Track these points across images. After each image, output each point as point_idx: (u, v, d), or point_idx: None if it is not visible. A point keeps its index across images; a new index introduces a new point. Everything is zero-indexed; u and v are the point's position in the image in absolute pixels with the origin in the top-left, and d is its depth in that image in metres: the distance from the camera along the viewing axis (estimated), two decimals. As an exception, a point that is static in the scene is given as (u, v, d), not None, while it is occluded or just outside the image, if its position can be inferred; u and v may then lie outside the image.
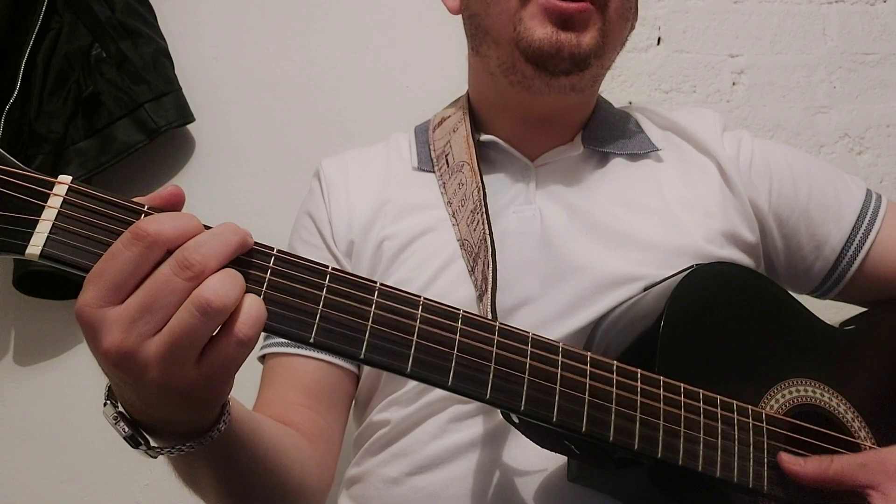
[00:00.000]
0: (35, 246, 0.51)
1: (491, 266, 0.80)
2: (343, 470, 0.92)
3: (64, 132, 1.26)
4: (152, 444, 0.59)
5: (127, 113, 1.27)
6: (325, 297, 0.56)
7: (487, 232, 0.82)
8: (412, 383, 0.83)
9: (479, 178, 0.87)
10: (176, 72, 1.33)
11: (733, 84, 1.47)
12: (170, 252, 0.51)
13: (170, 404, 0.54)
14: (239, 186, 1.37)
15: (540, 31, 0.83)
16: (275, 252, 0.56)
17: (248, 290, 0.53)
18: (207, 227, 0.54)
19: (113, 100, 1.27)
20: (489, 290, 0.78)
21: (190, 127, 1.35)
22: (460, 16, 0.96)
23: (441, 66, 1.37)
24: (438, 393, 0.80)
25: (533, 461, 0.76)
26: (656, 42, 1.48)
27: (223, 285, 0.51)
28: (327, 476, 0.87)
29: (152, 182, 1.35)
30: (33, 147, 1.24)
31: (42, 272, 1.22)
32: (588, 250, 0.85)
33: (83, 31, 1.28)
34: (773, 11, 1.49)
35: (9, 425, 1.29)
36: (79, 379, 1.29)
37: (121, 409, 0.57)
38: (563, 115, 0.93)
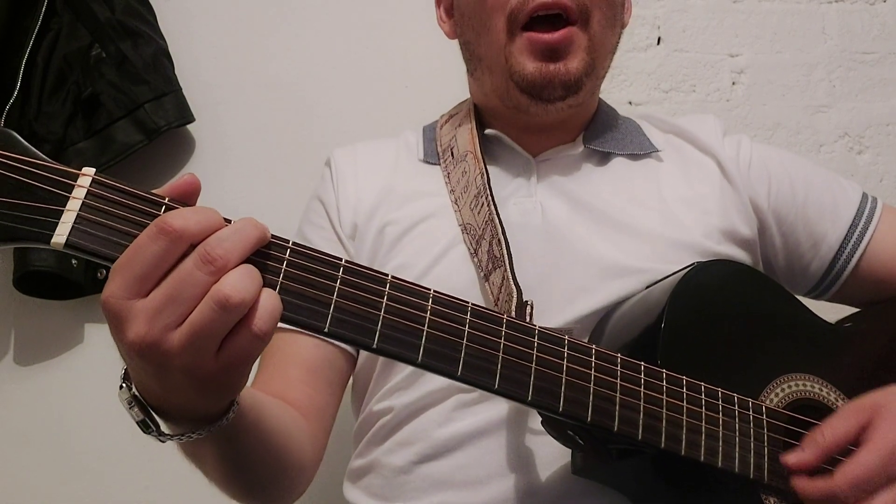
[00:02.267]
0: (60, 235, 0.52)
1: (504, 243, 0.82)
2: (342, 466, 0.93)
3: (63, 133, 1.26)
4: (163, 429, 0.60)
5: (126, 113, 1.27)
6: (338, 288, 0.57)
7: (494, 212, 0.84)
8: (408, 370, 0.84)
9: (482, 164, 0.89)
10: (176, 72, 1.33)
11: (733, 83, 1.47)
12: (193, 246, 0.53)
13: (189, 392, 0.56)
14: (239, 186, 1.37)
15: (530, 65, 0.86)
16: (290, 244, 0.57)
17: (266, 281, 0.55)
18: (228, 221, 0.55)
19: (112, 100, 1.27)
20: (506, 263, 0.80)
21: (190, 127, 1.35)
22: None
23: (441, 67, 1.37)
24: (439, 381, 0.81)
25: (539, 448, 0.78)
26: (656, 41, 1.48)
27: (242, 282, 0.52)
28: (319, 451, 0.88)
29: (152, 182, 1.34)
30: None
31: (42, 272, 1.22)
32: (588, 241, 0.87)
33: (83, 32, 1.29)
34: (773, 10, 1.50)
35: (9, 426, 1.29)
36: (79, 379, 1.29)
37: (135, 392, 0.58)
38: (563, 122, 0.95)
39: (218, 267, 0.52)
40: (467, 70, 0.98)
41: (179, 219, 0.52)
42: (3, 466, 1.28)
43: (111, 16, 1.29)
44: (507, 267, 0.80)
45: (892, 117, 1.48)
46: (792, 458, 0.71)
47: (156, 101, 1.28)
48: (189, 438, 0.61)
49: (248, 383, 0.73)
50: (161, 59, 1.31)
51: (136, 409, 0.58)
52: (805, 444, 0.71)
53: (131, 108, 1.27)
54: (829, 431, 0.71)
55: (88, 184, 0.53)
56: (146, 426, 0.59)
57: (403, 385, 0.85)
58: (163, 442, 0.61)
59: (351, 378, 0.96)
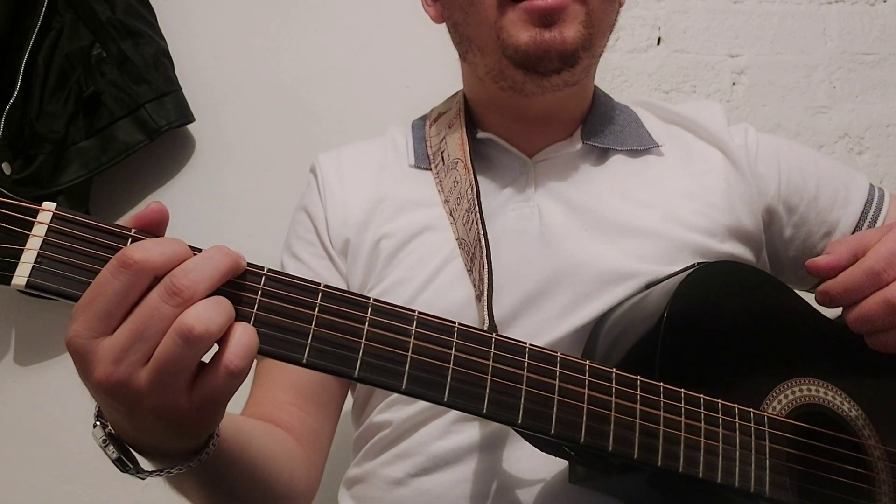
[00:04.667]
0: (21, 276, 0.50)
1: (486, 268, 0.79)
2: (341, 470, 0.92)
3: (65, 132, 1.26)
4: (141, 466, 0.58)
5: (128, 113, 1.27)
6: (317, 316, 0.55)
7: (482, 233, 0.81)
8: None
9: (472, 175, 0.86)
10: (176, 72, 1.33)
11: (733, 84, 1.47)
12: (158, 279, 0.51)
13: (162, 431, 0.54)
14: (239, 186, 1.37)
15: (524, 34, 0.81)
16: (265, 272, 0.55)
17: (239, 313, 0.52)
18: (196, 250, 0.53)
19: (114, 100, 1.27)
20: (485, 293, 0.77)
21: (190, 127, 1.35)
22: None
23: (441, 67, 1.36)
24: None
25: (537, 463, 0.75)
26: (656, 42, 1.48)
27: (206, 312, 0.50)
28: (315, 476, 0.86)
29: (153, 182, 1.35)
30: (34, 147, 1.24)
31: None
32: (588, 246, 0.84)
33: (84, 31, 1.29)
34: (773, 11, 1.50)
35: (9, 425, 1.29)
36: (79, 379, 1.29)
37: (110, 429, 0.57)
38: (560, 111, 0.92)
39: (185, 298, 0.50)
40: (459, 55, 0.93)
41: (141, 251, 0.50)
42: (3, 466, 1.28)
43: (112, 15, 1.29)
44: (486, 297, 0.77)
45: (892, 118, 1.48)
46: (821, 260, 0.75)
47: (157, 100, 1.29)
48: (169, 474, 0.59)
49: (237, 409, 0.71)
50: (161, 59, 1.31)
51: (111, 448, 0.56)
52: (829, 248, 0.75)
53: (133, 107, 1.27)
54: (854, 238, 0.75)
55: (49, 220, 0.51)
56: (123, 464, 0.57)
57: (404, 398, 0.82)
58: (142, 479, 0.59)
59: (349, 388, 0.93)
